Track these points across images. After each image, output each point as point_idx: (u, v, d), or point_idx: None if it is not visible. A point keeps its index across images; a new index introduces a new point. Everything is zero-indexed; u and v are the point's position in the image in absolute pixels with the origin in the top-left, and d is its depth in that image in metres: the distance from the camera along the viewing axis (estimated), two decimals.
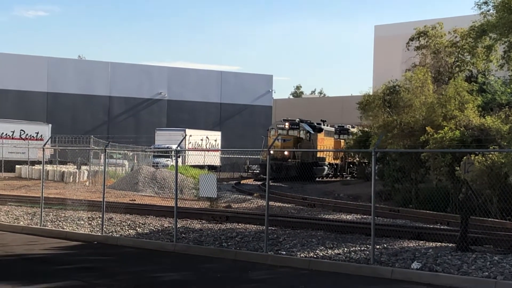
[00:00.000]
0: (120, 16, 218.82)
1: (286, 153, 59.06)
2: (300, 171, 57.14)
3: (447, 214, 28.58)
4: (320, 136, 64.60)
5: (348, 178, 64.92)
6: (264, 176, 55.96)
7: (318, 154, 62.52)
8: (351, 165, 68.38)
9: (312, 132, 62.97)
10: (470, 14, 44.19)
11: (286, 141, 60.94)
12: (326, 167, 64.39)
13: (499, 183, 27.46)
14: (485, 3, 38.17)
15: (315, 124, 65.85)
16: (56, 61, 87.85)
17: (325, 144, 63.63)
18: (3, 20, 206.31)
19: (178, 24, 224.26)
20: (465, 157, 29.54)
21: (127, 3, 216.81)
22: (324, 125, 68.32)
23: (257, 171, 74.05)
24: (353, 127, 69.74)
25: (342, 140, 68.77)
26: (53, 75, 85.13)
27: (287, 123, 62.47)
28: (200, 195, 26.20)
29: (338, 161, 66.99)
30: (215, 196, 26.97)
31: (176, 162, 22.88)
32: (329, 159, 63.37)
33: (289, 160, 59.91)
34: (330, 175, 65.88)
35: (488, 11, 38.94)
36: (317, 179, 62.02)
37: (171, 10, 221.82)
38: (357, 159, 61.82)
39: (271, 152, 59.40)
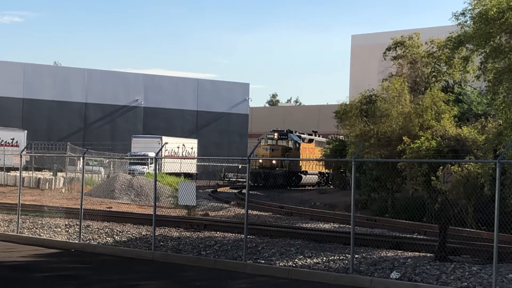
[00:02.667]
0: (96, 23, 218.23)
1: (274, 162, 60.88)
2: (287, 180, 59.73)
3: (423, 224, 28.68)
4: (310, 146, 65.62)
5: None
6: (254, 184, 59.30)
7: (308, 164, 63.05)
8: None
9: (299, 142, 64.52)
10: (447, 25, 44.32)
11: (275, 150, 62.95)
12: (316, 176, 65.29)
13: (475, 193, 27.60)
14: (463, 14, 38.28)
15: (305, 134, 67.12)
16: (32, 67, 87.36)
17: (315, 154, 64.16)
18: None
19: (154, 32, 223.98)
20: (444, 167, 29.68)
21: (103, 10, 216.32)
22: (315, 135, 69.25)
23: (233, 179, 74.57)
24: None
25: None
26: (28, 81, 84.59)
27: (276, 133, 64.59)
28: (179, 203, 26.11)
29: (329, 170, 67.51)
30: (195, 204, 26.92)
31: (155, 169, 22.85)
32: (320, 168, 63.84)
33: (277, 168, 61.74)
34: (322, 184, 66.53)
35: (466, 22, 39.10)
36: (301, 188, 63.02)
37: (148, 18, 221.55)
38: (331, 168, 61.91)
39: (260, 161, 61.31)
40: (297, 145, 65.00)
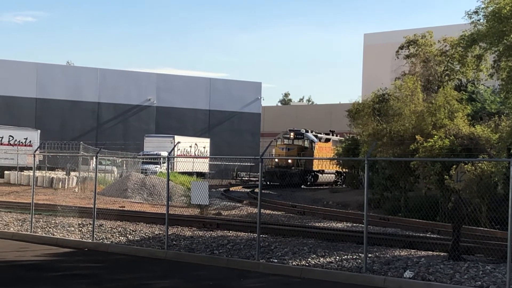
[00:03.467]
0: (109, 22, 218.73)
1: (290, 161, 61.82)
2: (303, 178, 61.93)
3: (437, 222, 28.60)
4: (327, 145, 66.19)
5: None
6: (270, 183, 61.00)
7: (325, 163, 63.41)
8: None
9: (315, 141, 65.42)
10: (460, 23, 44.24)
11: (291, 149, 63.92)
12: (333, 175, 65.80)
13: (489, 192, 27.49)
14: (476, 12, 38.22)
15: (323, 134, 68.41)
16: (44, 66, 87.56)
17: (332, 153, 64.54)
18: None
19: (166, 31, 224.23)
20: (458, 166, 29.58)
21: (116, 10, 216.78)
22: (333, 135, 69.73)
23: (245, 178, 74.94)
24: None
25: None
26: (41, 81, 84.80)
27: (292, 133, 65.67)
28: (192, 202, 26.12)
29: (347, 169, 67.88)
30: (207, 204, 26.95)
31: (168, 169, 22.85)
32: (337, 167, 64.25)
33: (293, 167, 62.82)
34: (339, 183, 66.84)
35: (479, 20, 39.00)
36: (314, 187, 63.69)
37: (160, 17, 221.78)
38: (346, 168, 62.12)
39: (276, 160, 62.47)
40: (313, 145, 65.64)
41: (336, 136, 71.56)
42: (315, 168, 65.68)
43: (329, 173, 66.39)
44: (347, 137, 59.43)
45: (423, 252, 20.20)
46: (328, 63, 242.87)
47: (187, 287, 16.97)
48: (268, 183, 62.74)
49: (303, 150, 64.72)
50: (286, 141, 66.02)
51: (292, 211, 35.95)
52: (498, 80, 42.90)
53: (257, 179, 65.87)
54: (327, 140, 68.19)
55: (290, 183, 58.91)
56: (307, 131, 67.31)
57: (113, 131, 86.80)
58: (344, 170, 63.99)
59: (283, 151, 64.21)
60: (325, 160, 62.75)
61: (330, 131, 72.50)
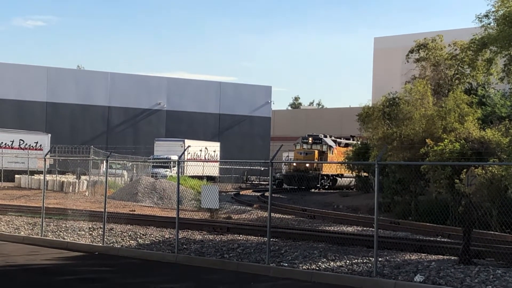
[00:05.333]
0: (119, 26, 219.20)
1: (307, 165, 64.02)
2: (321, 182, 64.03)
3: (447, 226, 28.55)
4: (346, 150, 66.89)
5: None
6: (287, 186, 63.73)
7: (344, 167, 64.41)
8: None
9: (333, 146, 67.25)
10: (470, 27, 44.28)
11: (309, 154, 65.62)
12: (352, 179, 66.74)
13: (499, 196, 27.41)
14: (486, 16, 38.26)
15: (342, 139, 70.41)
16: (55, 71, 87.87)
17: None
18: (2, 30, 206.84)
19: (176, 35, 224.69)
20: (469, 170, 29.49)
21: (125, 14, 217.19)
22: (352, 139, 70.63)
23: (256, 182, 75.37)
24: None
25: None
26: (52, 85, 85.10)
27: (310, 138, 67.35)
28: (202, 206, 26.14)
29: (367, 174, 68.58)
30: (217, 207, 26.97)
31: (178, 172, 22.87)
32: (356, 171, 64.99)
33: (311, 171, 64.63)
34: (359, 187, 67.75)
35: (489, 24, 39.04)
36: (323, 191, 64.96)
37: (170, 21, 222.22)
38: (356, 171, 62.38)
39: (294, 164, 64.03)
40: (331, 149, 67.13)
41: (356, 141, 72.15)
42: (333, 172, 66.82)
43: (348, 177, 67.12)
44: (362, 141, 59.82)
45: (433, 256, 20.16)
46: (338, 67, 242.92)
47: None
48: (279, 186, 64.90)
49: (321, 154, 66.16)
50: (305, 146, 67.48)
51: (303, 215, 35.95)
52: (509, 83, 42.91)
53: (267, 183, 66.21)
54: (346, 145, 68.99)
55: (308, 187, 62.26)
56: (325, 136, 68.61)
57: (123, 135, 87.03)
58: (365, 174, 64.57)
59: (301, 155, 65.83)
60: (344, 164, 63.64)
61: (350, 135, 73.16)
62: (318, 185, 64.68)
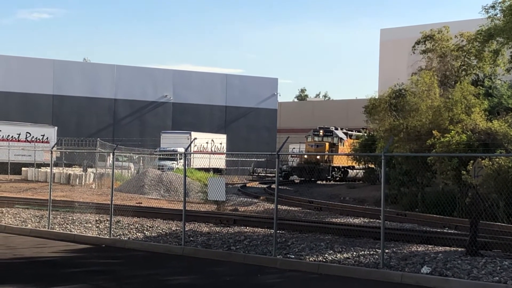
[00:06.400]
0: (125, 19, 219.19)
1: (318, 157, 64.97)
2: (331, 174, 65.10)
3: (454, 218, 28.51)
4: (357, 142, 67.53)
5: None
6: (299, 178, 64.92)
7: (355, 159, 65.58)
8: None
9: (344, 138, 68.31)
10: (477, 18, 44.19)
11: (319, 146, 66.67)
12: (359, 171, 67.30)
13: (506, 187, 27.37)
14: (493, 7, 38.17)
15: (354, 131, 71.30)
16: (61, 63, 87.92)
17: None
18: (8, 23, 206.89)
19: (182, 27, 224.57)
20: (475, 161, 29.45)
21: (131, 6, 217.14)
22: (364, 132, 71.03)
23: (262, 174, 75.65)
24: None
25: None
26: (58, 78, 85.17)
27: (321, 131, 68.26)
28: (209, 198, 26.16)
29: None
30: (224, 200, 26.98)
31: (185, 165, 22.87)
32: (362, 163, 65.72)
33: (321, 163, 65.45)
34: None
35: (496, 15, 38.94)
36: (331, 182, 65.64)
37: (176, 13, 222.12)
38: (363, 163, 62.64)
39: (305, 156, 65.10)
40: (342, 142, 67.94)
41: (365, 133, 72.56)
42: (345, 164, 67.69)
43: (359, 169, 67.50)
44: (370, 133, 60.06)
45: (440, 248, 20.13)
46: (344, 58, 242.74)
47: (205, 283, 16.95)
48: (285, 178, 65.40)
49: (332, 147, 66.96)
50: (316, 139, 68.16)
51: (309, 207, 35.93)
52: None
53: (273, 175, 66.34)
54: (357, 138, 69.28)
55: (318, 178, 63.51)
56: (336, 129, 69.37)
57: (129, 127, 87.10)
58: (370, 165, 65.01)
59: (312, 148, 66.74)
60: (355, 156, 64.19)
61: (362, 128, 73.37)
62: (329, 177, 65.28)
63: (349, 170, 68.21)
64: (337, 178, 66.51)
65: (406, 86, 44.43)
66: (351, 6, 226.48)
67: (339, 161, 66.47)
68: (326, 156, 65.25)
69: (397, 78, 52.10)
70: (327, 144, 66.77)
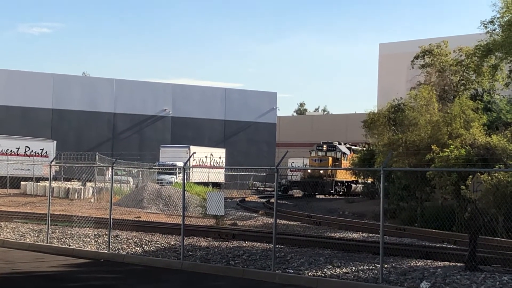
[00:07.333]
0: (124, 33, 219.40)
1: (322, 172, 65.54)
2: (334, 188, 65.74)
3: (453, 233, 28.48)
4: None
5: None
6: (301, 192, 65.76)
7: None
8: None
9: (347, 153, 68.64)
10: (476, 33, 44.26)
11: (323, 161, 67.00)
12: (359, 185, 67.70)
13: (505, 202, 27.35)
14: (491, 22, 38.26)
15: (358, 146, 71.05)
16: (60, 77, 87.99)
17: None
18: (8, 37, 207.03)
19: (182, 41, 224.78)
20: (475, 176, 29.44)
21: (131, 21, 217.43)
22: (369, 147, 71.47)
23: (261, 188, 75.79)
24: None
25: None
26: (57, 92, 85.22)
27: (325, 146, 68.94)
28: (207, 213, 26.10)
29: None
30: (223, 214, 26.92)
31: (184, 179, 22.87)
32: (361, 177, 66.16)
33: (325, 178, 66.05)
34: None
35: (494, 30, 39.03)
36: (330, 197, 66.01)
37: (175, 27, 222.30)
38: (361, 177, 62.84)
39: (309, 171, 65.71)
40: (345, 156, 68.28)
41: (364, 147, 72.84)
42: (348, 178, 67.97)
43: (362, 183, 67.72)
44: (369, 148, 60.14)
45: (439, 263, 20.13)
46: (343, 73, 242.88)
47: None
48: (284, 193, 65.82)
49: (335, 161, 67.36)
50: (319, 153, 68.55)
51: (308, 221, 35.91)
52: None
53: (272, 189, 66.40)
54: (355, 152, 69.48)
55: (322, 192, 64.48)
56: (339, 144, 69.93)
57: (129, 141, 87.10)
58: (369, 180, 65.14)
59: (316, 162, 67.33)
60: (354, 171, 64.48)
61: (365, 143, 73.53)
62: (332, 191, 65.68)
63: (353, 185, 68.51)
64: (341, 193, 66.84)
65: (405, 100, 44.46)
66: (350, 21, 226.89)
67: (343, 175, 66.96)
68: (329, 171, 65.58)
69: (396, 92, 52.16)
70: (330, 158, 67.11)
